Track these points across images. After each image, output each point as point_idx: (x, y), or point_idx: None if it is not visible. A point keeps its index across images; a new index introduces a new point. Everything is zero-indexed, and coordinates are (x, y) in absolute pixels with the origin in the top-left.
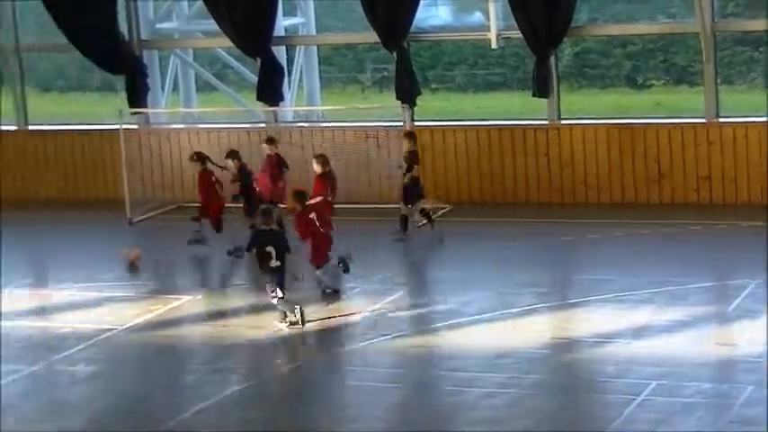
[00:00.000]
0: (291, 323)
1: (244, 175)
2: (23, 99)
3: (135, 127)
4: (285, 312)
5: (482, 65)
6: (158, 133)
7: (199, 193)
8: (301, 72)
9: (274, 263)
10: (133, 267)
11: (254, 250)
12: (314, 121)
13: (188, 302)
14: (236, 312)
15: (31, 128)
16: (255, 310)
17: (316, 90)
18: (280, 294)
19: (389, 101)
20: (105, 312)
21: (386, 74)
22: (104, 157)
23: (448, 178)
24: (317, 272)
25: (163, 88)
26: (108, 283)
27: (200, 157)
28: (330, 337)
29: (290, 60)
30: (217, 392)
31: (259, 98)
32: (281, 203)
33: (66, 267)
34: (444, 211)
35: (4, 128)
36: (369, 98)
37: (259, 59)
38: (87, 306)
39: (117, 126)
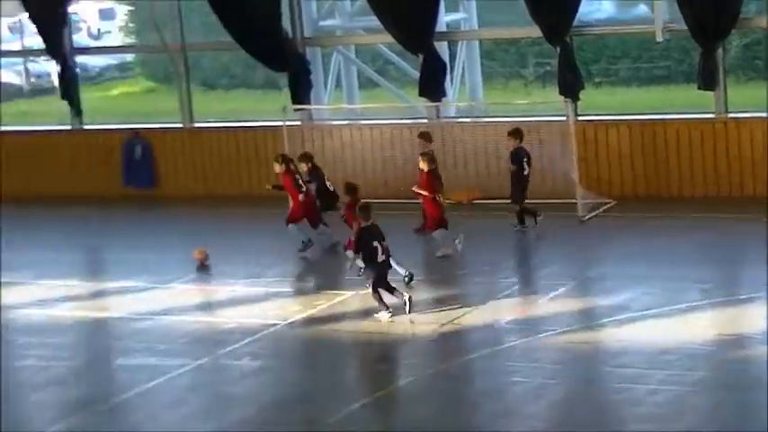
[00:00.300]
0: (389, 314)
1: (315, 177)
2: (188, 97)
3: (298, 123)
4: (385, 306)
5: (646, 58)
6: (321, 129)
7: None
8: (463, 67)
9: (380, 257)
10: (203, 267)
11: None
12: (476, 117)
13: (351, 298)
14: (399, 307)
15: (195, 125)
16: (419, 305)
17: (478, 85)
18: (376, 288)
19: (552, 96)
20: (270, 307)
21: (549, 68)
22: (268, 154)
23: (611, 173)
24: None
25: (325, 85)
26: (272, 279)
27: (284, 160)
28: (494, 332)
29: (452, 56)
30: (381, 387)
31: (421, 94)
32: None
33: (231, 263)
34: (608, 206)
35: (170, 125)
36: (532, 93)
37: (421, 55)
38: (252, 301)
39: (280, 123)
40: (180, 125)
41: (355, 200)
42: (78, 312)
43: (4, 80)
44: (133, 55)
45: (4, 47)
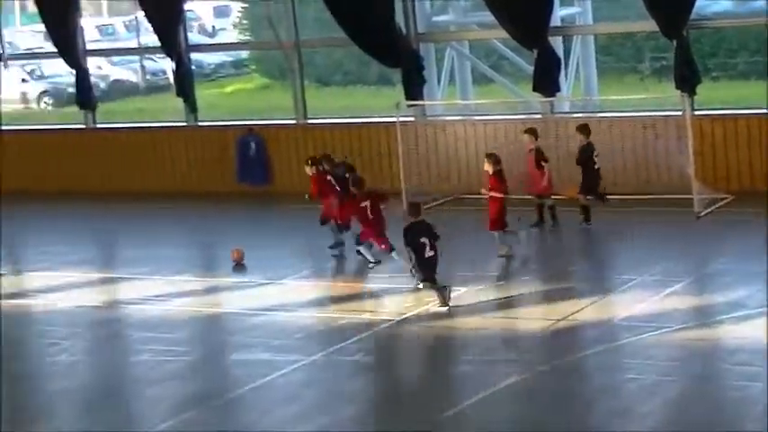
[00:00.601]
0: (446, 304)
1: (338, 178)
2: (302, 93)
3: (411, 119)
4: (443, 296)
5: (765, 51)
6: (434, 125)
7: (319, 197)
8: (578, 62)
9: (428, 252)
10: (239, 267)
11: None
12: (590, 112)
13: (465, 294)
14: (510, 304)
15: (309, 121)
16: (530, 301)
17: (593, 80)
18: (426, 283)
19: (668, 90)
20: (383, 304)
21: (665, 63)
22: (381, 150)
23: (729, 168)
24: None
25: (439, 81)
26: (386, 275)
27: (314, 162)
28: (609, 328)
29: (567, 51)
30: (492, 384)
31: (535, 89)
32: (546, 195)
33: (344, 259)
34: (725, 201)
35: (284, 122)
36: (648, 88)
37: (535, 50)
38: (365, 297)
39: (393, 119)
40: (294, 121)
41: (362, 194)
42: (193, 308)
43: (120, 77)
44: (248, 52)
45: (121, 44)
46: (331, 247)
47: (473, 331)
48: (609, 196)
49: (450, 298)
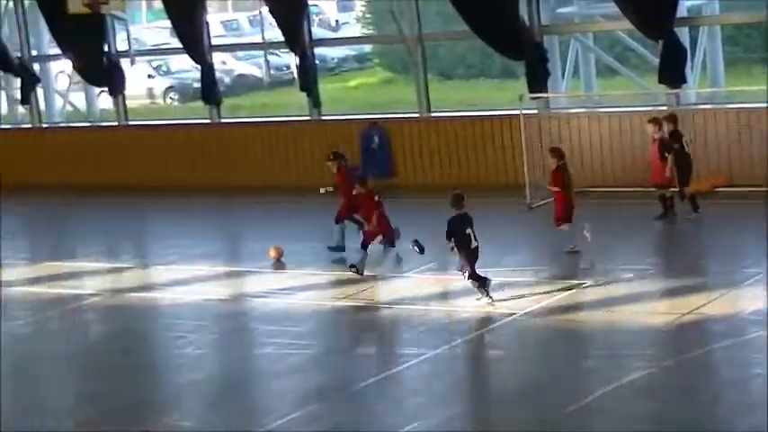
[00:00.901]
0: (491, 297)
1: (348, 174)
2: (425, 87)
3: (535, 112)
4: (486, 290)
5: None
6: (558, 118)
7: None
8: (704, 53)
9: (474, 244)
10: (278, 263)
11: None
12: (717, 104)
13: (589, 288)
14: (635, 298)
15: (432, 114)
16: (655, 295)
17: (719, 71)
18: (470, 274)
19: None
20: (507, 297)
21: None
22: (504, 143)
23: None
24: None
25: (563, 73)
26: (509, 268)
27: (336, 156)
28: (736, 322)
29: (693, 41)
30: (617, 378)
31: (661, 81)
32: (671, 186)
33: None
34: None
35: (407, 115)
36: None
37: (661, 41)
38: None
39: (517, 111)
40: (417, 115)
41: (368, 191)
42: (317, 301)
43: (244, 72)
44: (371, 46)
45: (245, 40)
46: (331, 249)
47: (597, 325)
48: (724, 188)
49: (490, 291)
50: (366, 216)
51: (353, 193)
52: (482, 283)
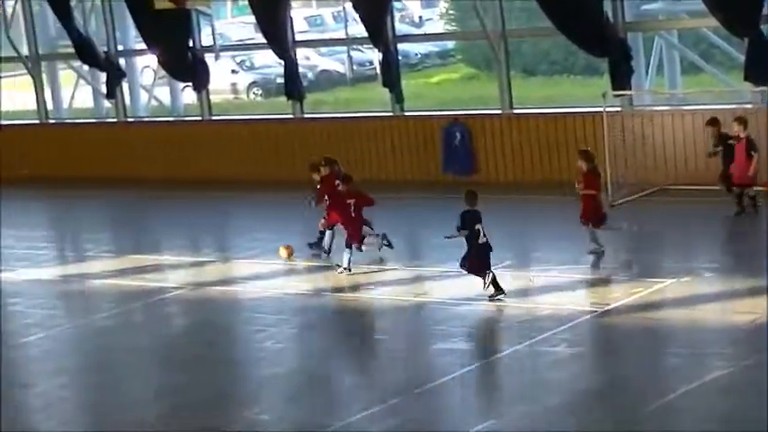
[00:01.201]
0: (501, 291)
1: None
2: (508, 83)
3: (618, 109)
4: (496, 284)
5: None
6: (641, 115)
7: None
8: None
9: (482, 239)
10: (291, 259)
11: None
12: None
13: (670, 285)
14: (715, 296)
15: (515, 111)
16: (734, 294)
17: None
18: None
19: None
20: (586, 295)
21: None
22: (587, 140)
23: None
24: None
25: (647, 70)
26: (588, 266)
27: (327, 162)
28: None
29: None
30: (698, 377)
31: (746, 78)
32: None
33: (545, 249)
34: None
35: (489, 112)
36: None
37: (747, 39)
38: (568, 288)
39: (600, 109)
40: (499, 111)
41: (349, 191)
42: (397, 297)
43: (327, 68)
44: (454, 42)
45: (329, 35)
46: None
47: (677, 323)
48: None
49: (488, 283)
50: (344, 220)
51: (339, 188)
52: (486, 276)
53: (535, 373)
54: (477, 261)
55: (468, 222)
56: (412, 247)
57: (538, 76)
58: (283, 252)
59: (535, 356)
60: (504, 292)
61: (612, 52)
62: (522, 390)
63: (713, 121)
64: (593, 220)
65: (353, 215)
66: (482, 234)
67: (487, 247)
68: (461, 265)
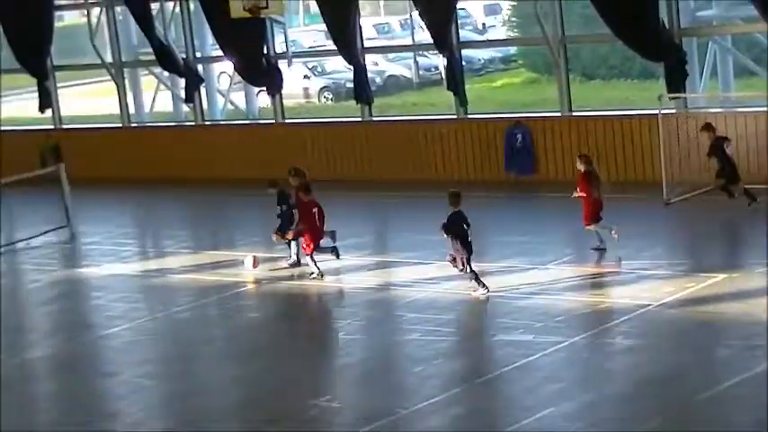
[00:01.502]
0: (486, 290)
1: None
2: (568, 87)
3: (673, 111)
4: (480, 281)
5: None
6: (696, 117)
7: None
8: None
9: (470, 238)
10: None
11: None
12: None
13: (722, 281)
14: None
15: (574, 114)
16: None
17: None
18: (467, 267)
19: None
20: (642, 289)
21: None
22: (643, 142)
23: None
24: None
25: (701, 74)
26: (645, 261)
27: (297, 173)
28: None
29: None
30: (750, 368)
31: None
32: None
33: (608, 246)
34: None
35: (549, 114)
36: None
37: None
38: (625, 283)
39: (656, 111)
40: (559, 114)
41: (311, 200)
42: (461, 291)
43: (395, 73)
44: (515, 48)
45: (396, 42)
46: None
47: (730, 316)
48: None
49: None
50: (309, 228)
51: (305, 200)
52: (477, 278)
53: (594, 363)
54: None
55: (456, 224)
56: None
57: (596, 79)
58: (249, 262)
59: (594, 348)
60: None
61: (668, 57)
62: (582, 379)
63: (708, 127)
64: (594, 218)
65: (318, 224)
66: (468, 234)
67: (471, 247)
68: (451, 262)
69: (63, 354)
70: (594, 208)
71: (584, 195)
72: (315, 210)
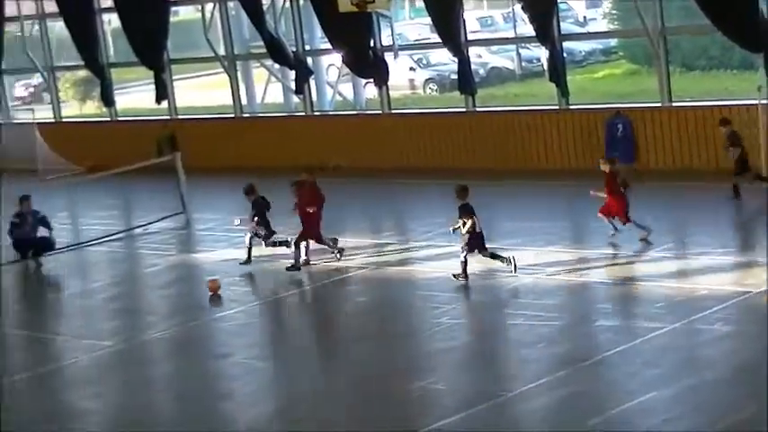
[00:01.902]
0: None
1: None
2: (668, 77)
3: None
4: (465, 271)
5: None
6: None
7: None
8: None
9: (478, 228)
10: (216, 297)
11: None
12: None
13: None
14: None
15: (674, 104)
16: None
17: None
18: (485, 252)
19: None
20: (743, 276)
21: None
22: (742, 131)
23: None
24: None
25: None
26: (743, 249)
27: (309, 171)
28: None
29: None
30: None
31: None
32: None
33: (703, 234)
34: None
35: (650, 105)
36: None
37: None
38: (725, 270)
39: (755, 101)
40: (659, 104)
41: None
42: (563, 277)
43: (498, 65)
44: (616, 40)
45: (499, 35)
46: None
47: None
48: None
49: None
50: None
51: (302, 178)
52: (464, 267)
53: (692, 349)
54: (475, 247)
55: (465, 215)
56: (575, 230)
57: (696, 70)
58: (212, 286)
59: (693, 334)
60: (467, 278)
61: (766, 47)
62: (682, 365)
63: (725, 122)
64: (626, 214)
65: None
66: (477, 224)
67: (482, 236)
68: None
69: (179, 335)
70: (625, 206)
71: (606, 195)
72: (311, 210)
